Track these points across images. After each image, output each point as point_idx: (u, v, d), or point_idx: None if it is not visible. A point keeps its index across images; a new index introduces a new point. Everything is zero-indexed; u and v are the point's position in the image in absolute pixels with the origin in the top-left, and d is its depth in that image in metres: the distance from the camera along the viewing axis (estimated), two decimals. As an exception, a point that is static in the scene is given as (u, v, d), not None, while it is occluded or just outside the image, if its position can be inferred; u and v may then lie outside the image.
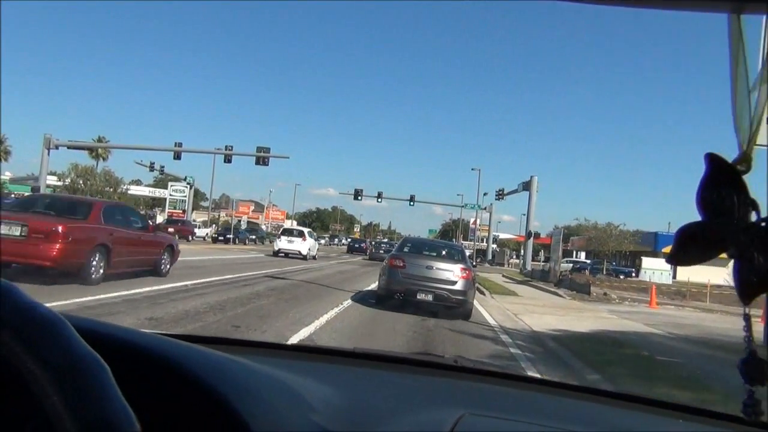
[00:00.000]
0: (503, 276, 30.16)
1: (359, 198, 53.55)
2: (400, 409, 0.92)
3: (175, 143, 35.19)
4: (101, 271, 8.92)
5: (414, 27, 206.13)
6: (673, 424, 1.14)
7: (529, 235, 34.17)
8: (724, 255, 0.48)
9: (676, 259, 0.49)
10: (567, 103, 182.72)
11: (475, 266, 14.07)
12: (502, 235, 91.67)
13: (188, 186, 54.51)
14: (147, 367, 0.64)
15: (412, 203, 53.07)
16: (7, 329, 0.44)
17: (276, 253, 27.23)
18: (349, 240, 61.54)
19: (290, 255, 26.74)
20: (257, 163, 34.92)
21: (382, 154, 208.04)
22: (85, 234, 8.69)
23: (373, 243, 49.81)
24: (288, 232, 29.47)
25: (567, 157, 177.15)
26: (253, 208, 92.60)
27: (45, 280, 8.05)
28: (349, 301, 10.95)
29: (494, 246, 60.59)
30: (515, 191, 38.11)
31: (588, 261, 52.07)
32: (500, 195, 42.89)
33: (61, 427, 0.42)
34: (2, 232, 7.91)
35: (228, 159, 35.33)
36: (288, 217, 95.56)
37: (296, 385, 0.81)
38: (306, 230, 30.81)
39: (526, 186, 35.16)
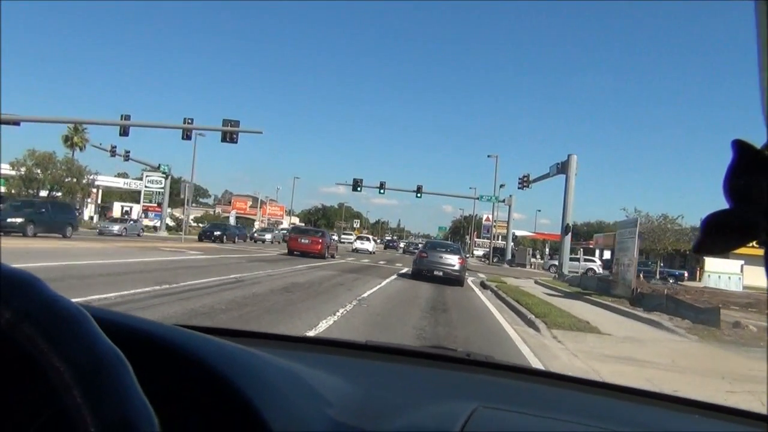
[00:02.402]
0: (538, 283, 22.57)
1: (359, 189, 46.57)
2: (414, 402, 0.91)
3: (122, 116, 27.96)
4: (327, 254, 24.97)
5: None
6: (690, 420, 1.10)
7: (566, 229, 26.47)
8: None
9: (703, 248, 0.47)
10: (591, 85, 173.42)
11: (464, 260, 19.21)
12: (518, 232, 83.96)
13: (164, 176, 47.39)
14: (162, 358, 0.64)
15: (419, 195, 45.94)
16: (30, 320, 0.43)
17: (354, 251, 40.30)
18: (386, 239, 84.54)
19: (360, 251, 40.45)
20: (224, 139, 27.61)
21: (389, 149, 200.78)
22: (325, 241, 25.04)
23: (406, 243, 71.87)
24: (360, 238, 46.90)
25: (590, 146, 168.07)
26: (250, 203, 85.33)
27: (311, 258, 23.09)
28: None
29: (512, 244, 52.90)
30: (546, 176, 30.41)
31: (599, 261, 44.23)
32: (524, 183, 35.17)
33: (81, 423, 0.41)
34: (302, 241, 24.86)
35: (187, 135, 28.02)
36: (288, 213, 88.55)
37: (310, 377, 0.81)
38: (370, 236, 50.74)
39: (562, 168, 27.47)
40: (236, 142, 27.69)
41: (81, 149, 55.01)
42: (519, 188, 35.90)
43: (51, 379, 0.42)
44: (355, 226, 61.33)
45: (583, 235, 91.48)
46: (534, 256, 46.06)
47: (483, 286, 19.53)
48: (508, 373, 1.29)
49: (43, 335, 0.43)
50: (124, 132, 27.78)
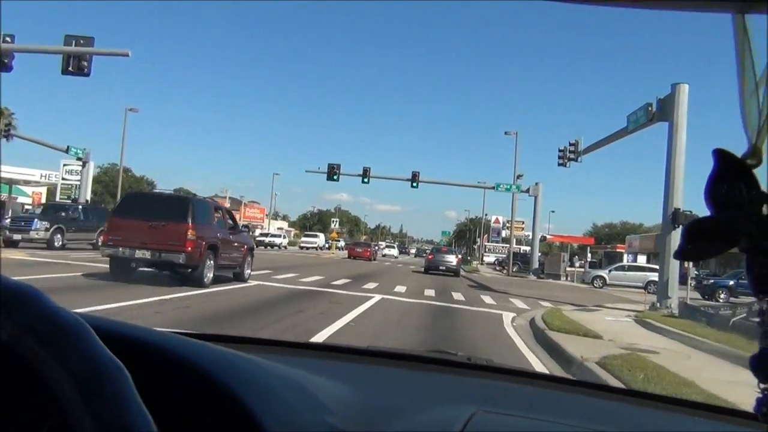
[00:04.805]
0: (642, 324, 10.31)
1: (335, 178, 34.89)
2: (413, 406, 0.90)
3: None
4: (373, 258, 39.04)
5: None
6: (692, 421, 1.08)
7: (675, 216, 14.06)
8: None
9: (685, 254, 0.47)
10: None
11: (459, 258, 27.90)
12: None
13: (81, 163, 35.40)
14: (160, 365, 0.63)
15: (415, 185, 34.13)
16: (31, 334, 0.44)
17: (383, 256, 50.86)
18: (397, 243, 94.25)
19: (387, 256, 51.69)
20: (67, 70, 15.60)
21: (388, 142, 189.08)
22: (372, 249, 40.81)
23: (416, 248, 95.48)
24: (389, 246, 65.41)
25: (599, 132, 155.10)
26: (229, 205, 73.37)
27: (363, 260, 35.30)
28: None
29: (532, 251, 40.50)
30: (622, 133, 17.97)
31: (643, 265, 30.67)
32: (568, 156, 22.78)
33: None
34: (358, 250, 39.31)
35: (3, 63, 15.88)
36: (276, 217, 76.74)
37: (310, 383, 0.79)
38: (396, 244, 76.99)
39: (662, 111, 15.19)
40: (88, 74, 15.68)
41: (7, 138, 43.27)
42: (560, 165, 23.59)
43: (52, 390, 0.43)
44: (333, 227, 48.74)
45: (604, 239, 79.12)
46: (572, 263, 33.42)
47: (551, 348, 7.28)
48: (509, 377, 1.27)
49: (45, 348, 0.43)
50: None
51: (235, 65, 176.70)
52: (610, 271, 28.13)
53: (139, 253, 10.09)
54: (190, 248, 9.88)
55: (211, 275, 10.66)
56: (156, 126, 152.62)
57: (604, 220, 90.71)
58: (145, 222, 10.08)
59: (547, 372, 3.08)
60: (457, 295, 14.88)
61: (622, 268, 28.33)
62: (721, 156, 0.46)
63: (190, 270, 10.20)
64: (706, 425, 1.07)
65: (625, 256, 60.94)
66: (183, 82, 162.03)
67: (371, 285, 15.27)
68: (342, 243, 61.78)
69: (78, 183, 36.39)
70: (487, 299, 14.78)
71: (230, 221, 12.48)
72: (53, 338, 0.44)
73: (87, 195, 37.53)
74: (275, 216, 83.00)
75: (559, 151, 23.57)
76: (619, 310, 14.39)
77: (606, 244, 70.78)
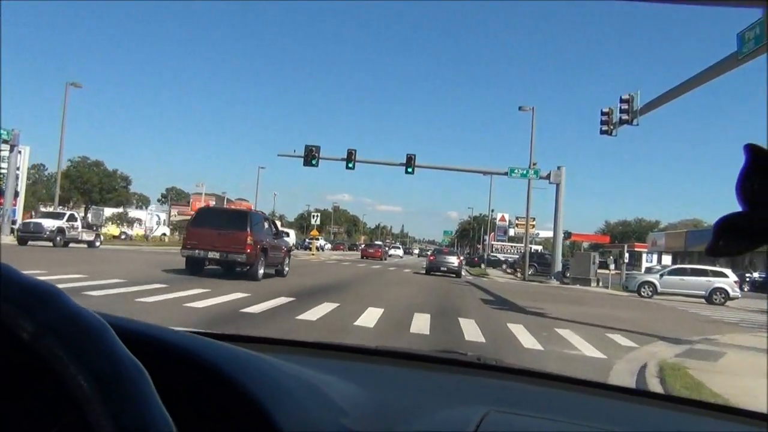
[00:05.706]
0: None
1: (314, 162, 28.80)
2: (425, 407, 0.89)
3: None
4: (384, 258, 44.44)
5: None
6: (699, 421, 1.06)
7: None
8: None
9: (715, 250, 0.46)
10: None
11: (461, 259, 27.51)
12: (542, 233, 64.49)
13: (8, 146, 29.13)
14: (177, 364, 0.63)
15: (410, 170, 28.12)
16: (52, 333, 0.43)
17: (389, 256, 50.78)
18: (399, 243, 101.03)
19: (392, 256, 54.07)
20: None
21: (384, 133, 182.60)
22: (383, 250, 47.15)
23: (419, 249, 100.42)
24: (394, 247, 69.23)
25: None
26: (214, 202, 67.43)
27: (375, 260, 40.23)
28: None
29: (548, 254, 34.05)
30: (731, 62, 11.55)
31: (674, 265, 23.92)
32: (622, 114, 16.41)
33: None
34: (370, 250, 44.31)
35: None
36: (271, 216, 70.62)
37: (321, 383, 0.79)
38: (399, 245, 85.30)
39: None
40: None
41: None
42: (603, 132, 17.23)
43: (70, 390, 0.42)
44: (313, 223, 42.30)
45: (618, 237, 72.69)
46: (608, 264, 26.80)
47: None
48: (519, 377, 1.26)
49: (65, 348, 0.43)
50: None
51: (220, 54, 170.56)
52: (661, 275, 21.66)
53: (210, 254, 13.13)
54: (249, 250, 12.97)
55: (262, 271, 13.55)
56: (148, 124, 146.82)
57: (615, 218, 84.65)
58: (215, 230, 13.13)
59: (556, 373, 1.62)
60: (469, 327, 8.56)
61: (681, 272, 21.85)
62: (752, 151, 0.44)
63: (248, 267, 13.14)
64: (721, 426, 1.05)
65: (645, 255, 54.61)
66: (172, 76, 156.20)
67: (321, 311, 8.90)
68: (322, 242, 55.32)
69: (15, 171, 29.87)
70: (521, 333, 8.45)
71: (274, 229, 15.48)
72: (74, 338, 0.43)
73: (19, 186, 31.45)
74: (270, 215, 76.88)
75: (602, 114, 17.23)
76: (755, 351, 8.08)
77: (621, 242, 64.52)
